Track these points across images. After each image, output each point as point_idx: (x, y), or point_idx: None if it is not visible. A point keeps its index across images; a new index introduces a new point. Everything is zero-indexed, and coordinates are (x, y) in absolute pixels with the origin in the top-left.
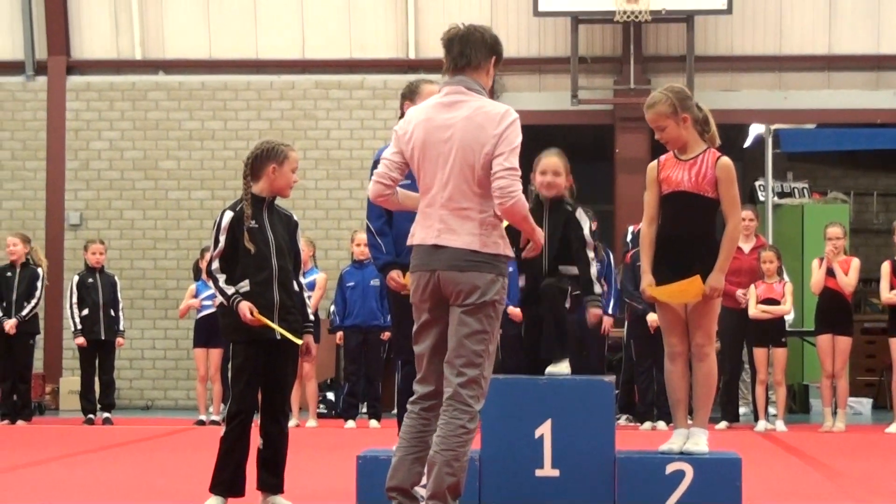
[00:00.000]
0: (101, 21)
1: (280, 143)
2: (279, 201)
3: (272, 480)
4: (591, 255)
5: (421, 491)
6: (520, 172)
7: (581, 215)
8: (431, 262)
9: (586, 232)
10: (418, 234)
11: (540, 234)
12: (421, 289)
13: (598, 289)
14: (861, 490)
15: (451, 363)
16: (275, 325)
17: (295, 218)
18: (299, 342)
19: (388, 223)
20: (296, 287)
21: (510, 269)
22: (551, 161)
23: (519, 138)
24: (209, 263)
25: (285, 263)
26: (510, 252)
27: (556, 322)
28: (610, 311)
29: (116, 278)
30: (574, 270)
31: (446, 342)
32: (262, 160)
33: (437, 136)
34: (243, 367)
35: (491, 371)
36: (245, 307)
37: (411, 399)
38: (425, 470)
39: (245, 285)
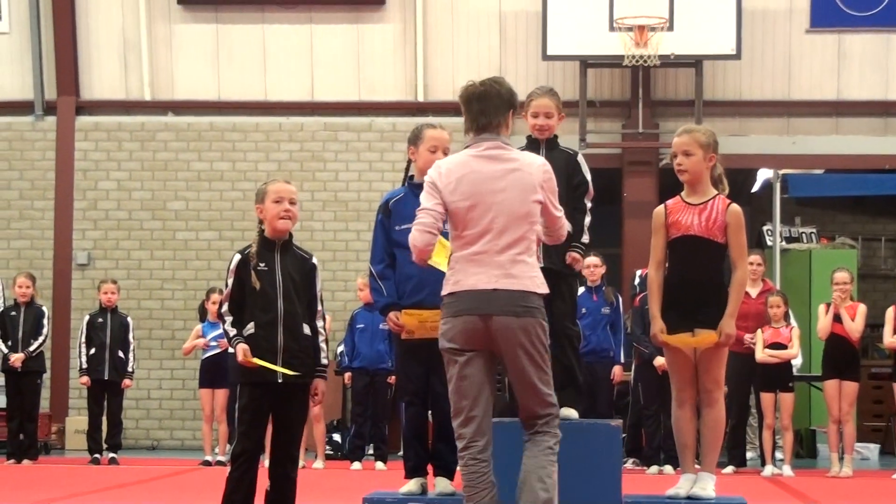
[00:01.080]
0: (111, 61)
1: (265, 183)
2: (305, 244)
3: None
4: (587, 203)
5: None
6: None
7: (581, 159)
8: (488, 307)
9: (587, 176)
10: (469, 281)
11: None
12: (468, 333)
13: (586, 238)
14: None
15: (529, 404)
16: (269, 365)
17: (313, 260)
18: (291, 374)
19: (391, 266)
20: (307, 331)
21: None
22: (542, 102)
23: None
24: (220, 305)
25: (293, 307)
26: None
27: (564, 368)
28: (621, 360)
29: (129, 319)
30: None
31: (490, 384)
32: (257, 205)
33: (488, 187)
34: (248, 408)
35: None
36: (240, 349)
37: (468, 446)
38: (517, 494)
39: (251, 328)
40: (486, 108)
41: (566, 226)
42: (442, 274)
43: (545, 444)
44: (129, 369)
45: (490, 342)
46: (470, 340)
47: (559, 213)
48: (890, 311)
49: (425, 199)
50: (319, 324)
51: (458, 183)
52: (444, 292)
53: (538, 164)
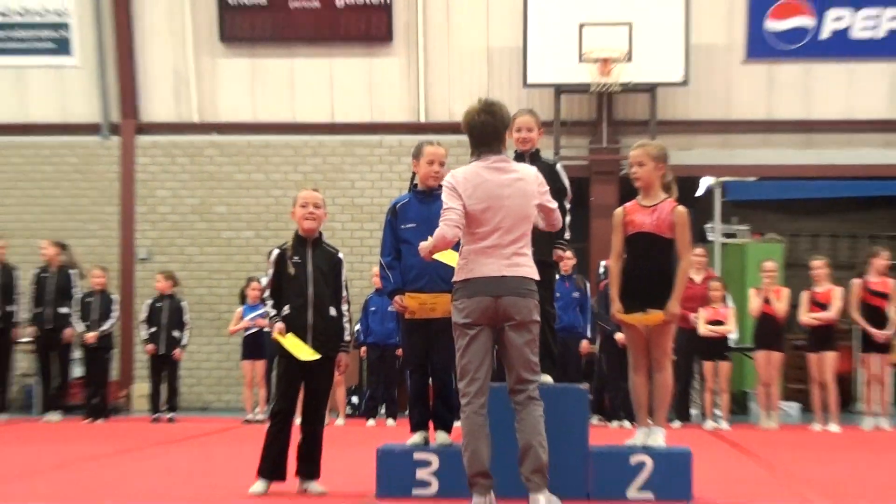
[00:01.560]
0: (165, 90)
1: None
2: (333, 241)
3: (309, 469)
4: (567, 205)
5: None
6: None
7: (560, 169)
8: (497, 290)
9: (566, 183)
10: (480, 269)
11: None
12: (480, 311)
13: (567, 234)
14: (790, 478)
15: (519, 369)
16: (287, 345)
17: (339, 255)
18: (310, 358)
19: (397, 258)
20: (333, 313)
21: None
22: (524, 119)
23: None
24: (263, 291)
25: (321, 292)
26: None
27: (542, 343)
28: (588, 335)
29: (183, 303)
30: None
31: (491, 354)
32: (292, 210)
33: (499, 192)
34: (284, 376)
35: None
36: (276, 328)
37: (470, 402)
38: (519, 455)
39: (287, 309)
40: (486, 134)
41: (559, 215)
42: (438, 265)
43: (537, 413)
44: (183, 343)
45: (496, 319)
46: (481, 317)
47: (553, 205)
48: (805, 295)
49: (449, 199)
50: (344, 307)
51: (474, 189)
52: (457, 279)
53: (533, 175)
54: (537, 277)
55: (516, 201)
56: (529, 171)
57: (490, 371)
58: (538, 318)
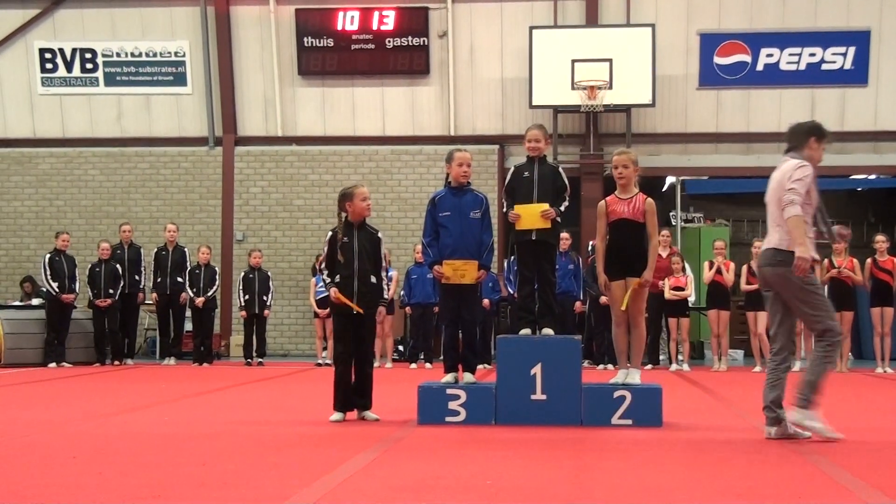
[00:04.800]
0: (257, 111)
1: (349, 187)
2: (372, 223)
3: (363, 402)
4: (566, 196)
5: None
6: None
7: (562, 172)
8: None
9: (566, 182)
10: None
11: None
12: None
13: (562, 209)
14: (738, 407)
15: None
16: (349, 303)
17: (379, 235)
18: (360, 310)
19: (436, 238)
20: (373, 280)
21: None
22: (533, 133)
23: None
24: (320, 262)
25: (364, 265)
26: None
27: (546, 303)
28: (581, 297)
29: (269, 274)
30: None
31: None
32: (342, 202)
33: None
34: (338, 328)
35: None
36: (333, 292)
37: (776, 351)
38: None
39: (338, 278)
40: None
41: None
42: (468, 243)
43: (816, 353)
44: (269, 305)
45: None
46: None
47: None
48: (744, 268)
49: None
50: (383, 274)
51: None
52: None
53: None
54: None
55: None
56: (786, 167)
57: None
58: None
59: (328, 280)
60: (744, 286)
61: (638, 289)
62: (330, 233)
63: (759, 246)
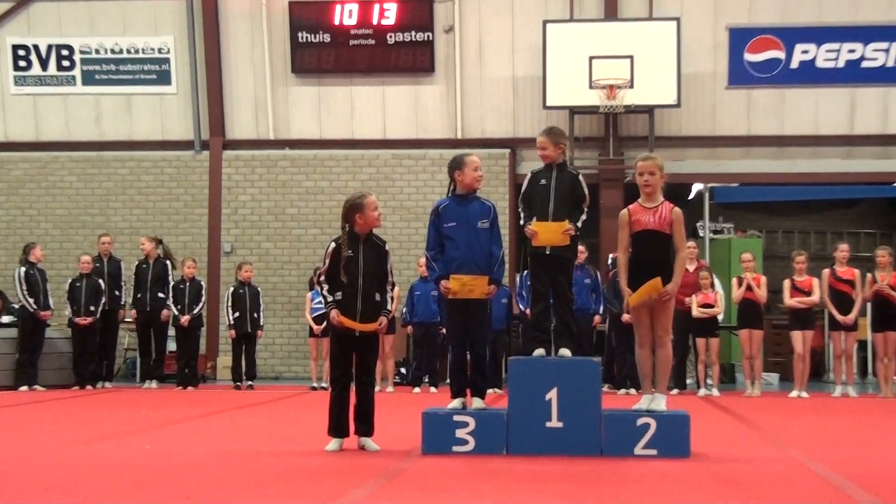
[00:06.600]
0: (246, 113)
1: (357, 197)
2: (385, 237)
3: (363, 427)
4: (584, 208)
5: None
6: None
7: (582, 180)
8: None
9: (585, 191)
10: None
11: None
12: None
13: (580, 224)
14: (773, 436)
15: None
16: (353, 325)
17: (387, 247)
18: (373, 327)
19: (441, 252)
20: (378, 298)
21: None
22: (539, 139)
23: None
24: (319, 276)
25: (369, 282)
26: None
27: (563, 322)
28: (600, 312)
29: (259, 289)
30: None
31: None
32: (351, 213)
33: None
34: (337, 349)
35: None
36: (334, 314)
37: None
38: None
39: (339, 295)
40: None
41: None
42: (475, 256)
43: None
44: (261, 324)
45: None
46: None
47: None
48: (786, 282)
49: None
50: (388, 288)
51: None
52: None
53: None
54: None
55: None
56: None
57: None
58: None
59: (329, 297)
60: (787, 301)
61: (659, 301)
62: (332, 244)
63: (802, 260)
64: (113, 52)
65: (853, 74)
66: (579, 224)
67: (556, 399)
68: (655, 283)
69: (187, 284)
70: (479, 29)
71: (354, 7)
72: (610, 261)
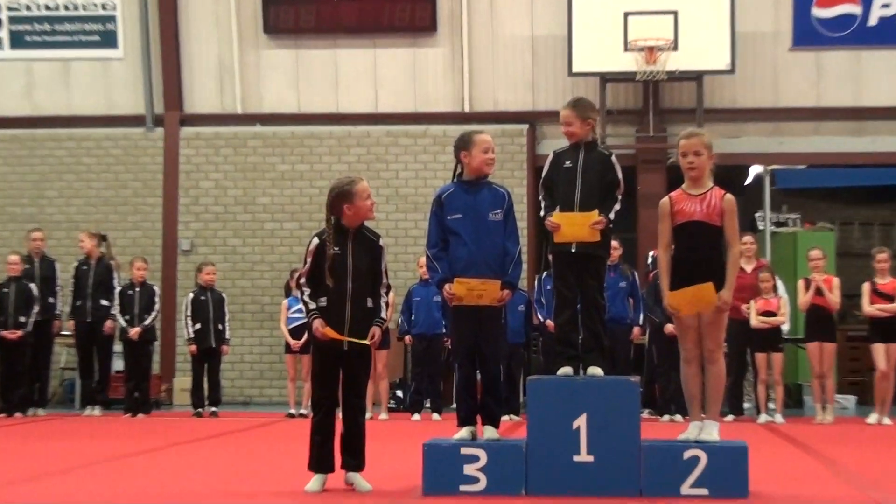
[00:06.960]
0: (209, 81)
1: (345, 183)
2: (373, 225)
3: (352, 461)
4: (618, 196)
5: None
6: None
7: (615, 162)
8: None
9: (619, 175)
10: None
11: None
12: None
13: (612, 216)
14: (848, 473)
15: None
16: (340, 336)
17: (381, 243)
18: (365, 342)
19: (444, 249)
20: (370, 304)
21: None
22: (563, 113)
23: None
24: (298, 278)
25: (360, 285)
26: None
27: (592, 334)
28: (640, 323)
29: (224, 295)
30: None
31: None
32: (338, 203)
33: None
34: (320, 365)
35: None
36: (317, 324)
37: None
38: None
39: (324, 301)
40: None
41: None
42: (486, 255)
43: None
44: (227, 337)
45: None
46: None
47: None
48: (866, 286)
49: None
50: (382, 291)
51: None
52: None
53: None
54: None
55: None
56: None
57: None
58: None
59: (311, 304)
60: (866, 309)
61: (715, 315)
62: (315, 239)
63: (885, 258)
64: (48, 8)
65: None
66: (612, 215)
67: (584, 428)
68: (705, 292)
69: (137, 290)
70: None
71: None
72: (650, 259)
